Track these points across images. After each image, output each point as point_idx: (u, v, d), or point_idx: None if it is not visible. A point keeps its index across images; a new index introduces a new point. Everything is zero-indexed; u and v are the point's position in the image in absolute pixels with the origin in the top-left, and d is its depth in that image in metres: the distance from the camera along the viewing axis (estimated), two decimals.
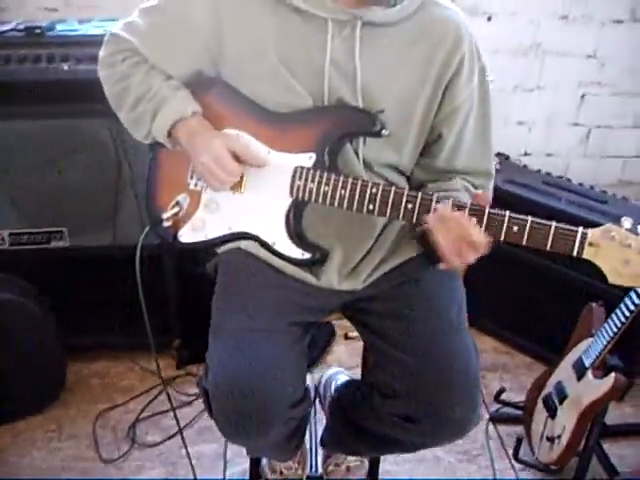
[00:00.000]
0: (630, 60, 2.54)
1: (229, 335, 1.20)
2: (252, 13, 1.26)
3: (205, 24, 1.28)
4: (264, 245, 1.33)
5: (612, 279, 1.06)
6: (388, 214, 1.21)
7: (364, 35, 1.24)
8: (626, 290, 1.70)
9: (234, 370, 1.15)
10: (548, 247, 1.09)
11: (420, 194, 1.18)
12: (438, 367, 1.19)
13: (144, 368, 2.27)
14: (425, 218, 1.17)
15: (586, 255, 1.07)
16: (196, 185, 1.40)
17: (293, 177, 1.28)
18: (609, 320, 1.79)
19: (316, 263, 1.30)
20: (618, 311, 1.73)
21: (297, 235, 1.31)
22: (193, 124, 1.32)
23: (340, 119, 1.26)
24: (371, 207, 1.22)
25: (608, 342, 1.79)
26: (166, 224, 1.39)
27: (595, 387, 1.67)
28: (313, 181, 1.26)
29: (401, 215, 1.20)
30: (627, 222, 1.07)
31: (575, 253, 1.07)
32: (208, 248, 1.43)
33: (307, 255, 1.30)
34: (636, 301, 1.64)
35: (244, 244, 1.34)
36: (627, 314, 1.66)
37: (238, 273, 1.32)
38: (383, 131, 1.24)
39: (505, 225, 1.11)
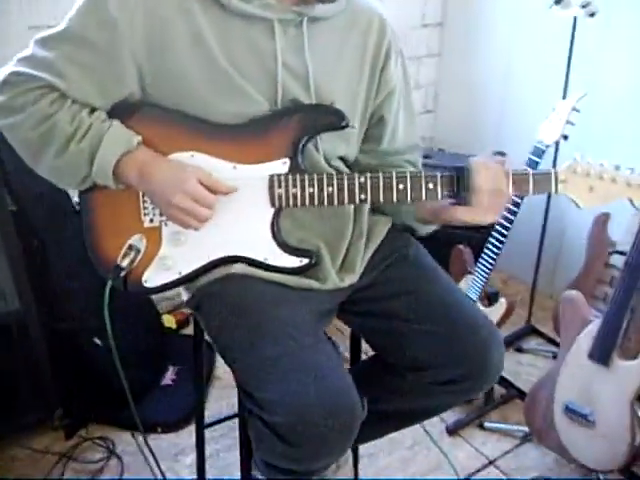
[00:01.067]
0: None
1: (278, 362, 1.13)
2: (194, 23, 1.17)
3: (135, 43, 1.16)
4: (256, 264, 1.26)
5: (583, 205, 1.24)
6: (382, 199, 1.24)
7: (309, 32, 1.24)
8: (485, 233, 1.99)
9: (305, 394, 1.08)
10: (531, 192, 1.24)
11: (408, 173, 1.23)
12: (464, 324, 1.27)
13: (34, 449, 1.96)
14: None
15: (560, 192, 1.24)
16: (152, 221, 1.27)
17: (271, 187, 1.23)
18: (483, 257, 2.07)
19: (312, 267, 1.28)
20: (488, 249, 2.02)
21: (286, 244, 1.27)
22: (141, 157, 1.20)
23: (307, 119, 1.24)
24: (363, 196, 1.23)
25: (486, 276, 2.08)
26: (122, 273, 1.25)
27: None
28: (295, 186, 1.23)
29: (394, 197, 1.23)
30: (578, 156, 1.26)
31: (554, 192, 1.24)
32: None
33: (305, 261, 1.27)
34: (501, 238, 1.96)
35: (235, 268, 1.26)
36: (496, 251, 1.97)
37: (243, 300, 1.23)
38: (350, 123, 1.26)
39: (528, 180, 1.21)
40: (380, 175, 1.23)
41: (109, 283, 1.24)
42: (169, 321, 2.48)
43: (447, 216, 1.24)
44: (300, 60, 1.23)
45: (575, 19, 1.97)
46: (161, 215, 1.26)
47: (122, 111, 1.22)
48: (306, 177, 1.23)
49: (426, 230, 1.41)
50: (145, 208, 1.26)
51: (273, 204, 1.24)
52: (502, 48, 2.39)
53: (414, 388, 1.31)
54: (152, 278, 1.27)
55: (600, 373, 1.78)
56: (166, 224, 1.26)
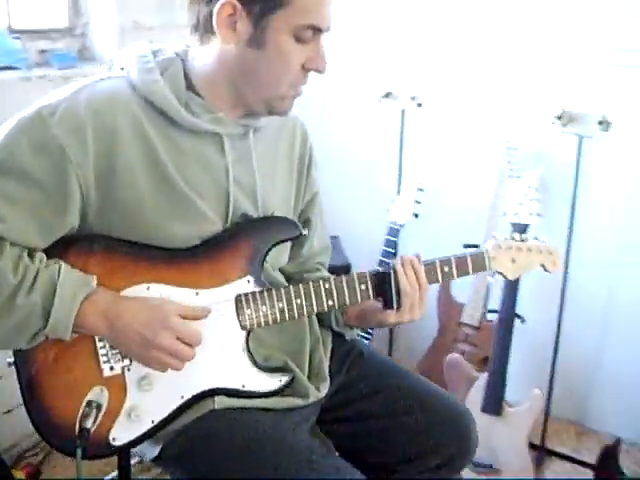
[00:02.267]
0: None
1: None
2: (148, 144, 1.08)
3: (84, 169, 1.04)
4: (233, 394, 1.17)
5: (510, 276, 1.39)
6: (348, 301, 1.24)
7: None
8: None
9: None
10: (471, 272, 1.35)
11: (368, 273, 1.26)
12: (442, 409, 1.30)
13: None
14: (397, 270, 1.21)
15: (491, 268, 1.38)
16: (112, 369, 1.11)
17: (238, 309, 1.17)
18: None
19: (291, 385, 1.23)
20: None
21: (261, 365, 1.20)
22: (101, 300, 1.07)
23: (263, 233, 1.21)
24: (331, 302, 1.22)
25: None
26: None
27: None
28: (264, 304, 1.18)
29: (359, 297, 1.25)
30: (499, 235, 1.42)
31: (488, 269, 1.37)
32: None
33: (284, 379, 1.20)
34: None
35: (216, 402, 1.15)
36: None
37: (234, 437, 1.12)
38: (304, 232, 1.26)
39: (439, 270, 1.31)
40: (343, 278, 1.24)
41: (79, 452, 1.05)
42: (19, 475, 2.11)
43: (377, 320, 1.26)
44: (248, 173, 1.21)
45: (403, 111, 2.21)
46: (123, 360, 1.11)
47: (62, 248, 1.08)
48: (273, 292, 1.19)
49: (351, 335, 1.42)
50: (103, 355, 1.10)
51: (243, 326, 1.17)
52: (338, 141, 2.47)
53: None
54: (121, 435, 1.11)
55: (495, 424, 1.96)
56: (129, 369, 1.12)
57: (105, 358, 1.10)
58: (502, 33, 2.09)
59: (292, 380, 1.22)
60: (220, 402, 1.16)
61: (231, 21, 1.06)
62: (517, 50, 2.06)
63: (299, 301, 1.20)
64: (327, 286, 1.22)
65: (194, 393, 1.15)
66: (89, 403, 1.08)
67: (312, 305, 1.21)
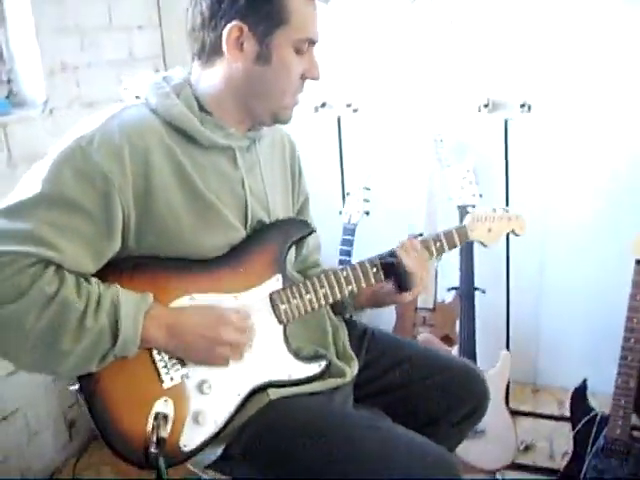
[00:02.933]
0: None
1: (384, 449, 1.16)
2: (175, 159, 1.15)
3: (125, 193, 1.09)
4: (282, 384, 1.25)
5: (488, 243, 1.55)
6: (364, 284, 1.35)
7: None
8: None
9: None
10: (458, 245, 1.51)
11: (377, 258, 1.37)
12: (457, 368, 1.45)
13: None
14: (400, 254, 1.33)
15: (471, 238, 1.53)
16: (172, 379, 1.16)
17: (273, 305, 1.25)
18: None
19: (329, 368, 1.32)
20: None
21: (301, 355, 1.29)
22: (161, 313, 1.13)
23: (281, 234, 1.30)
24: (350, 287, 1.33)
25: None
26: (152, 450, 1.12)
27: None
28: (295, 297, 1.27)
29: (372, 280, 1.37)
30: (470, 209, 1.59)
31: (470, 240, 1.53)
32: None
33: (323, 364, 1.30)
34: None
35: (270, 394, 1.22)
36: None
37: (296, 421, 1.21)
38: (314, 229, 1.37)
39: (433, 246, 1.44)
40: (356, 265, 1.35)
41: (161, 460, 1.09)
42: None
43: (392, 300, 1.41)
44: (258, 183, 1.30)
45: (339, 118, 2.36)
46: (182, 367, 1.16)
47: (107, 272, 1.12)
48: (300, 286, 1.29)
49: (360, 315, 1.55)
50: (162, 367, 1.15)
51: (280, 321, 1.26)
52: None
53: (432, 440, 1.43)
54: (190, 441, 1.16)
55: None
56: (187, 376, 1.17)
57: (165, 370, 1.15)
58: (424, 37, 2.28)
59: (329, 363, 1.31)
60: (274, 393, 1.24)
61: (238, 42, 1.15)
62: (439, 49, 2.26)
63: (324, 290, 1.30)
64: (345, 274, 1.33)
65: (249, 389, 1.22)
66: (156, 416, 1.12)
67: (335, 292, 1.32)
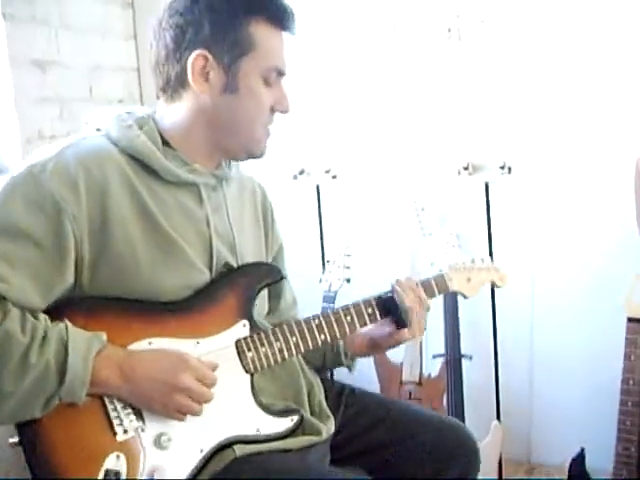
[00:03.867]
0: None
1: None
2: (136, 192, 1.10)
3: (79, 224, 1.04)
4: (250, 440, 1.14)
5: (468, 294, 1.48)
6: (338, 334, 1.27)
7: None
8: None
9: None
10: (436, 294, 1.44)
11: (350, 306, 1.30)
12: (445, 426, 1.34)
13: None
14: (397, 289, 1.29)
15: (450, 289, 1.47)
16: (126, 432, 1.05)
17: (239, 353, 1.17)
18: None
19: (301, 424, 1.21)
20: None
21: (269, 408, 1.19)
22: (113, 353, 1.05)
23: (249, 278, 1.23)
24: (323, 337, 1.25)
25: None
26: None
27: None
28: (263, 345, 1.19)
29: (347, 329, 1.29)
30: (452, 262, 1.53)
31: (449, 289, 1.46)
32: None
33: (295, 418, 1.19)
34: None
35: (236, 450, 1.11)
36: None
37: (268, 476, 1.09)
38: (285, 275, 1.30)
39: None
40: (329, 313, 1.28)
41: None
42: None
43: (393, 341, 1.32)
44: (224, 224, 1.24)
45: (318, 185, 2.34)
46: (137, 418, 1.06)
47: (59, 311, 1.05)
48: (269, 332, 1.21)
49: (352, 366, 1.45)
50: (115, 417, 1.05)
51: (247, 370, 1.17)
52: None
53: None
54: None
55: None
56: (143, 429, 1.06)
57: (117, 421, 1.05)
58: (402, 101, 2.31)
59: (302, 418, 1.21)
60: (241, 449, 1.13)
61: (204, 72, 1.13)
62: (417, 113, 2.28)
63: (295, 338, 1.22)
64: (317, 322, 1.26)
65: (213, 445, 1.11)
66: (107, 473, 1.02)
67: (307, 341, 1.24)
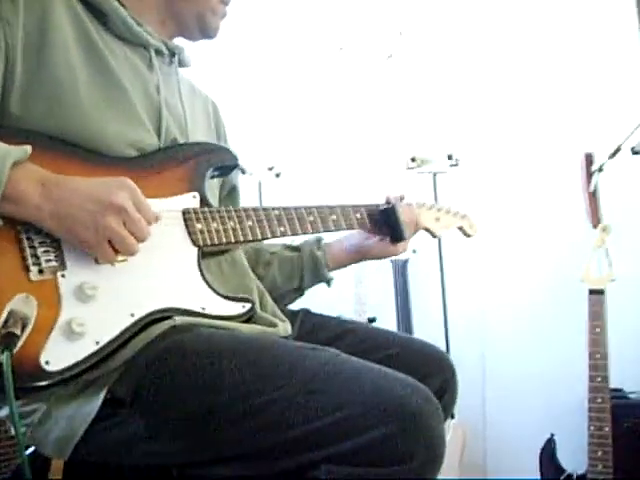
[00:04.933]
0: None
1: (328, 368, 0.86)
2: (83, 28, 0.98)
3: (13, 28, 0.89)
4: (193, 315, 0.93)
5: (437, 233, 1.37)
6: (299, 230, 1.12)
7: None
8: None
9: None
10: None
11: (314, 207, 1.16)
12: (413, 341, 1.20)
13: None
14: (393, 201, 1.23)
15: (420, 224, 1.34)
16: (42, 271, 0.84)
17: (187, 222, 0.99)
18: None
19: (252, 314, 1.01)
20: None
21: (218, 290, 0.99)
22: (38, 168, 0.86)
23: (205, 153, 1.07)
24: (282, 229, 1.10)
25: None
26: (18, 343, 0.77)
27: None
28: (215, 221, 1.02)
29: (309, 228, 1.14)
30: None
31: (419, 225, 1.33)
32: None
33: (247, 306, 0.99)
34: None
35: (177, 319, 0.90)
36: None
37: (217, 344, 0.88)
38: (240, 165, 1.15)
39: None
40: (291, 208, 1.13)
41: (6, 355, 0.73)
42: None
43: (378, 252, 1.27)
44: (175, 101, 1.11)
45: (260, 182, 2.22)
46: (57, 260, 0.85)
47: None
48: (223, 210, 1.04)
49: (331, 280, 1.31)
50: (32, 255, 0.83)
51: (195, 242, 0.99)
52: None
53: None
54: (56, 357, 0.80)
55: None
56: (63, 275, 0.85)
57: (33, 259, 0.84)
58: (347, 96, 2.26)
59: (253, 306, 1.01)
60: (182, 320, 0.91)
61: None
62: (363, 108, 2.24)
63: (250, 222, 1.06)
64: (276, 212, 1.10)
65: (147, 311, 0.90)
66: (11, 313, 0.78)
67: (264, 230, 1.08)
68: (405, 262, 2.02)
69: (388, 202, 1.25)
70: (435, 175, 2.04)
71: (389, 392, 0.83)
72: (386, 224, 1.24)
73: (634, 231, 1.91)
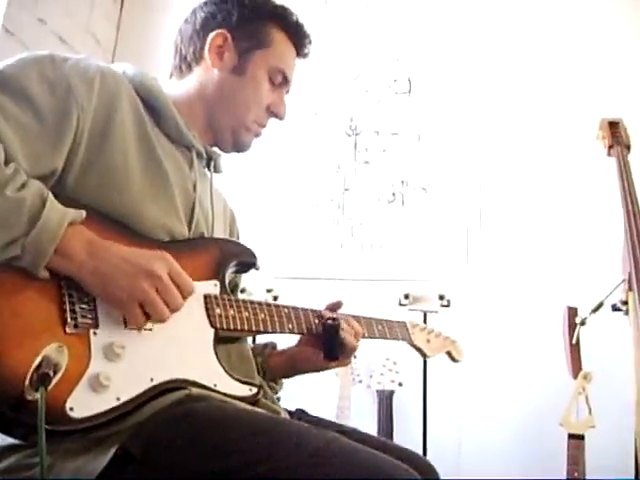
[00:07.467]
0: None
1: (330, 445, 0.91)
2: (140, 117, 1.11)
3: (85, 113, 1.01)
4: (206, 389, 0.99)
5: (429, 354, 1.45)
6: (305, 330, 1.21)
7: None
8: None
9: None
10: (399, 338, 1.40)
11: (319, 310, 1.25)
12: (395, 447, 1.22)
13: None
14: (342, 321, 1.23)
15: (413, 342, 1.42)
16: (77, 327, 0.91)
17: (209, 306, 1.08)
18: None
19: (258, 400, 1.06)
20: None
21: (229, 372, 1.05)
22: (86, 232, 0.95)
23: (228, 247, 1.19)
24: (290, 326, 1.19)
25: None
26: (29, 397, 0.83)
27: None
28: (232, 308, 1.10)
29: (314, 329, 1.22)
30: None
31: (412, 342, 1.42)
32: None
33: (254, 389, 1.05)
34: None
35: (192, 389, 0.95)
36: None
37: (229, 413, 0.94)
38: (258, 266, 1.25)
39: (375, 327, 1.34)
40: (299, 308, 1.22)
41: (41, 394, 0.78)
42: None
43: (314, 365, 1.28)
44: (207, 202, 1.24)
45: None
46: (91, 318, 0.92)
47: None
48: (240, 301, 1.14)
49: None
50: (71, 308, 0.91)
51: (213, 324, 1.07)
52: None
53: None
54: (80, 406, 0.86)
55: None
56: (95, 333, 0.92)
57: (72, 313, 0.91)
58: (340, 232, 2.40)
59: (260, 391, 1.07)
60: (197, 391, 0.97)
61: (220, 51, 1.22)
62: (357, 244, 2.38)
63: (263, 316, 1.15)
64: (286, 311, 1.20)
65: (166, 379, 0.96)
66: (45, 358, 0.84)
67: (275, 324, 1.17)
68: (391, 393, 2.06)
69: (334, 319, 1.23)
70: (426, 314, 2.14)
71: (389, 470, 0.88)
72: (325, 338, 1.22)
73: (613, 380, 1.99)
